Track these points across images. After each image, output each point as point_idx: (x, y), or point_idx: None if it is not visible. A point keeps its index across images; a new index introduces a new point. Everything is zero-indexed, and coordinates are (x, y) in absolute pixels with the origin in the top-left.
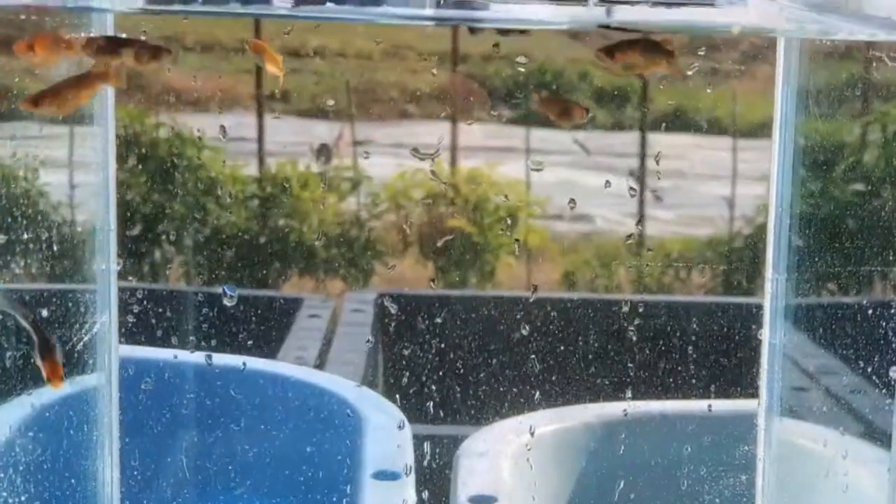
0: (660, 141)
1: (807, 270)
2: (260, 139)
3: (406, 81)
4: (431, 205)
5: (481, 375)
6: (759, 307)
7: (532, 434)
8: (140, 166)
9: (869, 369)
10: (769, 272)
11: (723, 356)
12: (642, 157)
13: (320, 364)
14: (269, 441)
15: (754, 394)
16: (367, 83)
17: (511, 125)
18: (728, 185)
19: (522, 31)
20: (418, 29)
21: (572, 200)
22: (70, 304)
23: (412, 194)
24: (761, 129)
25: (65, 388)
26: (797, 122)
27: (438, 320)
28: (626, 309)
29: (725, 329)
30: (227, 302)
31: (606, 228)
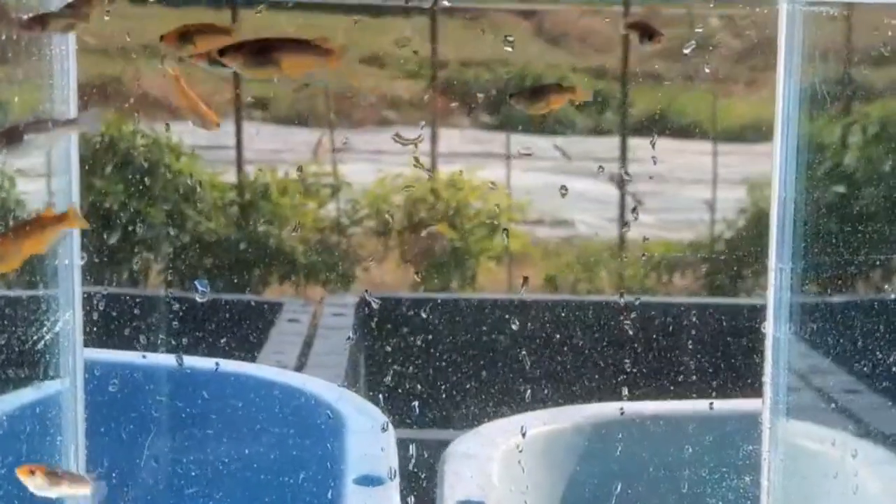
0: (641, 145)
1: (810, 264)
2: (238, 146)
3: (385, 88)
4: (413, 203)
5: (464, 379)
6: (743, 306)
7: (524, 435)
8: (118, 173)
9: (871, 367)
10: (772, 263)
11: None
12: (623, 160)
13: (300, 367)
14: (248, 445)
15: (737, 393)
16: (346, 89)
17: (492, 131)
18: (709, 188)
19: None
20: (397, 35)
21: (564, 187)
22: (37, 307)
23: (392, 199)
24: (742, 133)
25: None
26: (800, 115)
27: (419, 324)
28: (607, 310)
29: (713, 328)
30: (198, 298)
31: (588, 233)
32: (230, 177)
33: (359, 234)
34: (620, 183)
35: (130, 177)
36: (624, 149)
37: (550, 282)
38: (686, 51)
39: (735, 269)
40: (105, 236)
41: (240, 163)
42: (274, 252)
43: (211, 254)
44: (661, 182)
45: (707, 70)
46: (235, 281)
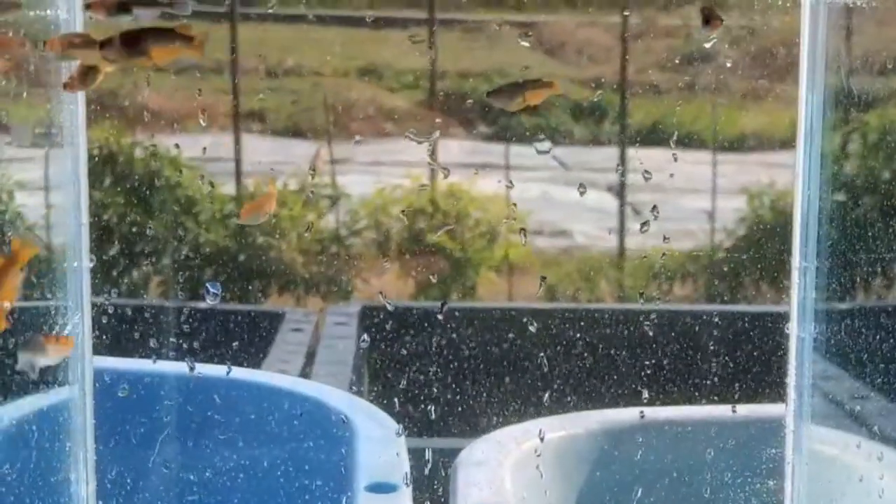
0: (637, 155)
1: (835, 265)
2: (237, 158)
3: (383, 99)
4: (413, 213)
5: (468, 386)
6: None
7: (542, 440)
8: (118, 186)
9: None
10: (796, 261)
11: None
12: (623, 170)
13: (305, 376)
14: (259, 452)
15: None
16: (344, 101)
17: (489, 142)
18: (708, 198)
19: None
20: (395, 47)
21: (583, 185)
22: (45, 311)
23: (391, 210)
24: (741, 143)
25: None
26: (824, 113)
27: (423, 333)
28: (609, 319)
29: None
30: (209, 301)
31: (586, 243)
32: (229, 189)
33: (358, 244)
34: (620, 192)
35: (130, 189)
36: (623, 159)
37: (550, 291)
38: (707, 45)
39: (740, 273)
40: (104, 247)
41: (238, 175)
42: (273, 263)
43: (210, 265)
44: (660, 191)
45: (707, 79)
46: (236, 292)
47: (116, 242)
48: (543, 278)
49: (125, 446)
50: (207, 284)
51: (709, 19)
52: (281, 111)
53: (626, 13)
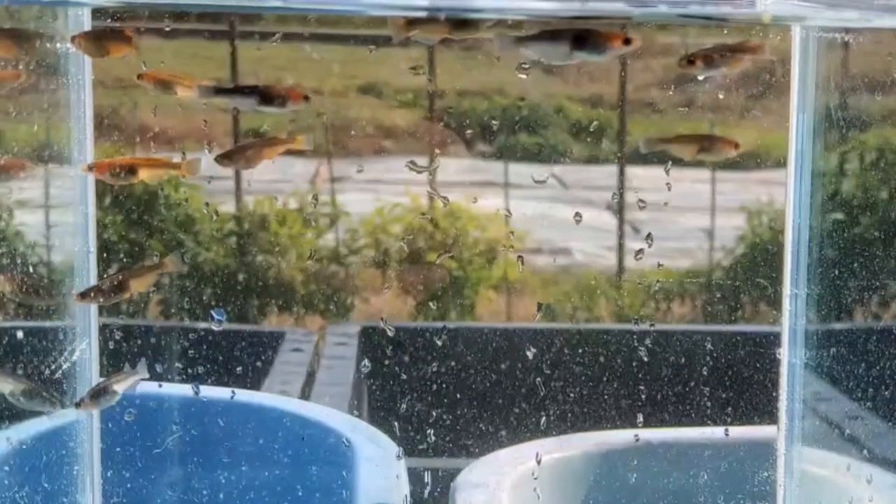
0: (636, 174)
1: (826, 289)
2: (237, 177)
3: (382, 118)
4: (413, 232)
5: (468, 407)
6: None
7: (539, 462)
8: (117, 205)
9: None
10: (787, 288)
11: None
12: (621, 189)
13: (305, 397)
14: (262, 475)
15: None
16: (343, 120)
17: (489, 160)
18: (706, 216)
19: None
20: (393, 66)
21: (579, 214)
22: (51, 338)
23: (390, 229)
24: (738, 161)
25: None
26: (814, 141)
27: (423, 352)
28: (610, 338)
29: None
30: (214, 327)
31: (585, 261)
32: (228, 207)
33: (358, 263)
34: (619, 211)
35: (130, 208)
36: (622, 177)
37: (548, 311)
38: (700, 77)
39: (736, 295)
40: (102, 266)
41: (238, 193)
42: (273, 282)
43: (210, 284)
44: (658, 210)
45: (703, 97)
46: (235, 311)
47: (115, 261)
48: (540, 305)
49: (129, 468)
50: (212, 312)
51: (692, 61)
52: (280, 130)
53: (624, 27)
